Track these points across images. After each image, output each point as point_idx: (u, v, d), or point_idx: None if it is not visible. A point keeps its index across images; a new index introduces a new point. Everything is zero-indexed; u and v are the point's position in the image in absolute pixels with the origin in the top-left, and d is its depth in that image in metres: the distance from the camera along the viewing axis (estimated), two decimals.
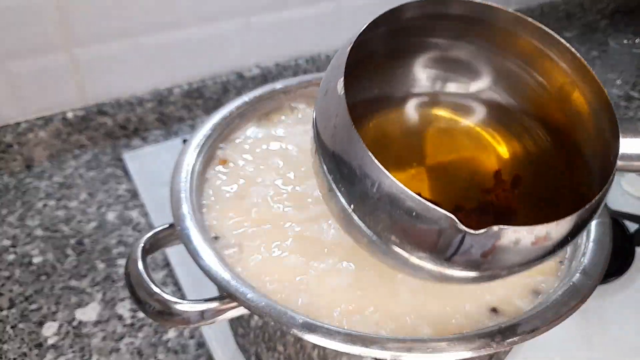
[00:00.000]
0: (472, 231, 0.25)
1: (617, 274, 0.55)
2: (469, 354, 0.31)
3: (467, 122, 0.37)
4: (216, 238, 0.40)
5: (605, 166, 0.30)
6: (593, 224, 0.40)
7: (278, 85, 0.54)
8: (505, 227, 0.25)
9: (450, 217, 0.25)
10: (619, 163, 0.29)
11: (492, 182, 0.36)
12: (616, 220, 0.60)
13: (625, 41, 0.85)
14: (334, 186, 0.28)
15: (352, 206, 0.28)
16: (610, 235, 0.39)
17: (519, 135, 0.36)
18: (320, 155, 0.29)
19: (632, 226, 0.59)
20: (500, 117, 0.36)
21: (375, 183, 0.26)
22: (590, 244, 0.39)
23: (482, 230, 0.25)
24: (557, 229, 0.27)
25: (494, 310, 0.36)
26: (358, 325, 0.34)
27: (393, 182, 0.25)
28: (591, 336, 0.51)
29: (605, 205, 0.41)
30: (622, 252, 0.57)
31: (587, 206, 0.28)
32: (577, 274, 0.36)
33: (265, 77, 0.85)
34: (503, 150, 0.37)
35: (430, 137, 0.37)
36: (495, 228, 0.25)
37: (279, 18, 0.81)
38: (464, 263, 0.27)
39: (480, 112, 0.36)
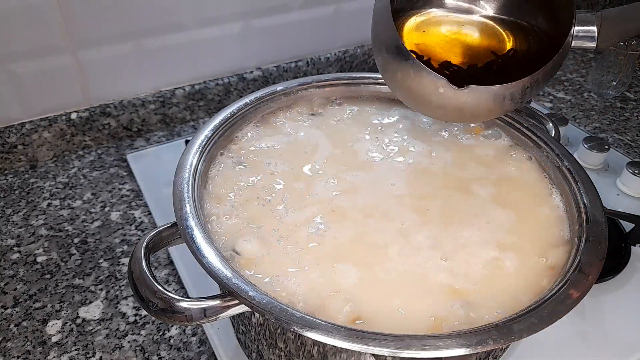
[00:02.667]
0: (455, 87, 0.38)
1: (613, 273, 0.56)
2: (466, 351, 0.32)
3: (485, 20, 0.47)
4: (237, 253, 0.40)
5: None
6: (589, 223, 0.41)
7: (279, 87, 0.54)
8: (477, 86, 0.39)
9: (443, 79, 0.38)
10: (573, 42, 0.38)
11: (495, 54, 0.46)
12: (612, 219, 0.60)
13: (621, 43, 0.86)
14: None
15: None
16: (606, 235, 0.40)
17: (522, 30, 0.45)
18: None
19: (627, 225, 0.60)
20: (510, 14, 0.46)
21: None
22: (587, 243, 0.39)
23: (462, 87, 0.38)
24: (514, 87, 0.39)
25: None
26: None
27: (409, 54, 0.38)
28: (587, 334, 0.51)
29: (601, 204, 0.42)
30: (618, 251, 0.57)
31: (533, 74, 0.38)
32: (574, 273, 0.37)
33: (266, 79, 0.86)
34: (506, 38, 0.46)
35: (459, 29, 0.47)
36: (472, 86, 0.38)
37: (280, 21, 0.82)
38: None
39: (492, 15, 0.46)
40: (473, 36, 0.45)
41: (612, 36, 0.37)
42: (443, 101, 0.40)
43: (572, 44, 0.38)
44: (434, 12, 0.47)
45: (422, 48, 0.45)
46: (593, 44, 0.37)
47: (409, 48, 0.39)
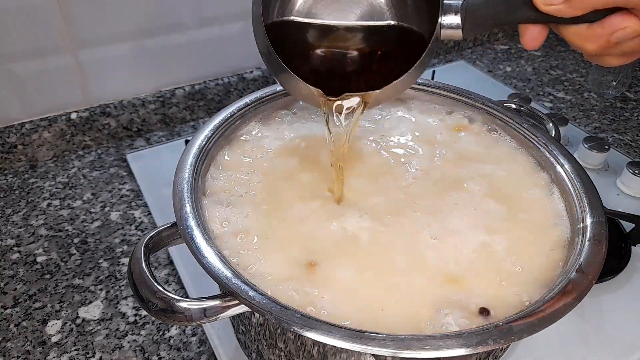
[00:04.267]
0: (331, 98, 0.41)
1: (614, 273, 0.56)
2: (467, 351, 0.32)
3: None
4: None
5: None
6: (589, 223, 0.41)
7: (279, 87, 0.54)
8: (350, 94, 0.41)
9: (319, 90, 0.40)
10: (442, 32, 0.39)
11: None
12: (612, 219, 0.60)
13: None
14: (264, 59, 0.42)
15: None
16: (606, 235, 0.39)
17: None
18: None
19: (628, 225, 0.60)
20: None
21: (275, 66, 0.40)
22: (587, 243, 0.39)
23: (336, 98, 0.41)
24: (384, 92, 0.41)
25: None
26: None
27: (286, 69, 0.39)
28: (588, 334, 0.51)
29: (601, 204, 0.42)
30: (618, 251, 0.57)
31: (403, 75, 0.40)
32: (574, 273, 0.37)
33: (266, 79, 0.86)
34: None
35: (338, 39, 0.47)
36: (345, 94, 0.41)
37: None
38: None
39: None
40: (346, 36, 0.46)
41: (476, 26, 0.38)
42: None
43: (441, 34, 0.39)
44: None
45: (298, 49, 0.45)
46: (459, 32, 0.39)
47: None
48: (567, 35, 0.35)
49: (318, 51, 0.45)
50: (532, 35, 0.36)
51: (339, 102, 0.41)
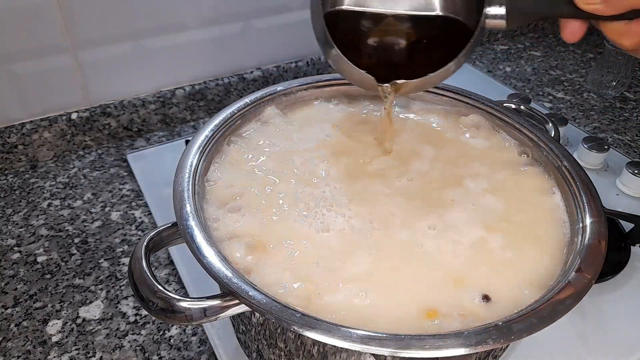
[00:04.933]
0: (382, 84, 0.45)
1: (613, 272, 0.56)
2: (466, 351, 0.32)
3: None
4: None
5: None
6: (589, 223, 0.41)
7: (279, 87, 0.54)
8: (401, 80, 0.45)
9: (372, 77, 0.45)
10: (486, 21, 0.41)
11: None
12: (612, 219, 0.60)
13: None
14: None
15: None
16: (605, 235, 0.40)
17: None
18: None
19: (627, 225, 0.60)
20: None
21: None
22: (586, 243, 0.39)
23: (387, 84, 0.46)
24: (437, 75, 0.44)
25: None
26: None
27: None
28: (587, 334, 0.51)
29: (601, 204, 0.42)
30: (617, 251, 0.57)
31: (449, 63, 0.43)
32: (573, 273, 0.37)
33: (266, 79, 0.86)
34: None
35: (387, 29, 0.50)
36: (397, 81, 0.45)
37: (280, 21, 0.82)
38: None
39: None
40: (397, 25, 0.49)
41: (519, 16, 0.41)
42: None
43: (486, 23, 0.42)
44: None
45: (349, 36, 0.48)
46: (503, 22, 0.41)
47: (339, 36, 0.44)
48: (605, 31, 0.37)
49: (370, 39, 0.49)
50: (572, 30, 0.38)
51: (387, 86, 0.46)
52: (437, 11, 0.48)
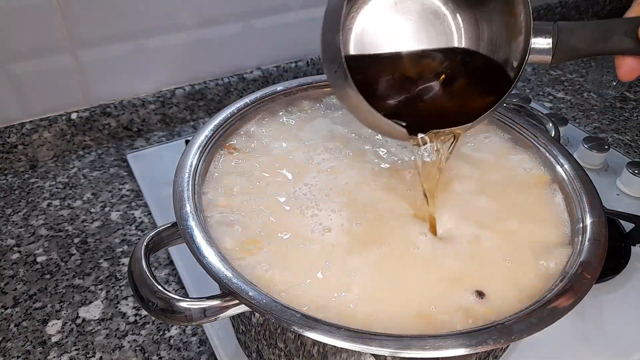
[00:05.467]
0: (413, 137, 0.39)
1: (613, 273, 0.56)
2: (466, 351, 0.32)
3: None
4: None
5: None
6: (589, 223, 0.41)
7: (279, 87, 0.54)
8: (436, 131, 0.39)
9: (400, 125, 0.38)
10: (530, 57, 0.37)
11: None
12: (612, 219, 0.60)
13: None
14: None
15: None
16: (606, 235, 0.40)
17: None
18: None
19: (627, 226, 0.60)
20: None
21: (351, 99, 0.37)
22: (587, 243, 0.39)
23: (421, 135, 0.39)
24: (471, 125, 0.39)
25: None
26: None
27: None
28: (587, 334, 0.51)
29: (601, 204, 0.42)
30: (618, 251, 0.57)
31: (493, 107, 0.38)
32: (573, 273, 0.37)
33: (266, 79, 0.86)
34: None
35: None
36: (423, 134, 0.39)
37: (280, 21, 0.82)
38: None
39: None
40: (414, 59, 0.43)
41: (568, 51, 0.35)
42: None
43: (529, 59, 0.36)
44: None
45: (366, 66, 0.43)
46: (548, 58, 0.36)
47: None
48: None
49: (389, 83, 0.42)
50: (631, 68, 0.35)
51: (422, 136, 0.39)
52: (460, 45, 0.42)
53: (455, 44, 0.42)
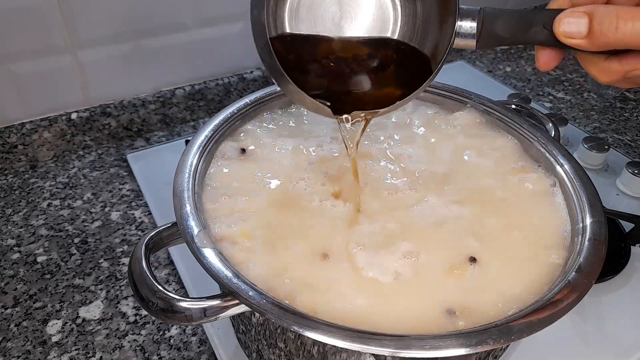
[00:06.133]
0: (338, 116, 0.41)
1: (613, 272, 0.56)
2: (466, 351, 0.32)
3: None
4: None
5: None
6: (589, 223, 0.41)
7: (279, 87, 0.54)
8: (358, 111, 0.41)
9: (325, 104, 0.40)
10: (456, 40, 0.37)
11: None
12: (612, 219, 0.60)
13: None
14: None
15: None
16: (605, 235, 0.40)
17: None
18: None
19: (627, 225, 0.60)
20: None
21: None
22: (586, 243, 0.39)
23: (345, 115, 0.41)
24: (392, 107, 0.41)
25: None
26: None
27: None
28: (587, 334, 0.51)
29: (601, 204, 0.42)
30: (617, 251, 0.57)
31: (412, 93, 0.40)
32: (573, 273, 0.37)
33: (266, 79, 0.86)
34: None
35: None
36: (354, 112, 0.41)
37: None
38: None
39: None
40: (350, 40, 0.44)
41: (492, 37, 0.36)
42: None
43: (454, 42, 0.37)
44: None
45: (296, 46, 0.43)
46: (473, 42, 0.36)
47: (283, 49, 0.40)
48: (583, 63, 0.35)
49: (320, 64, 0.43)
50: (548, 59, 0.36)
51: (346, 116, 0.41)
52: (392, 35, 0.43)
53: (392, 21, 0.43)
